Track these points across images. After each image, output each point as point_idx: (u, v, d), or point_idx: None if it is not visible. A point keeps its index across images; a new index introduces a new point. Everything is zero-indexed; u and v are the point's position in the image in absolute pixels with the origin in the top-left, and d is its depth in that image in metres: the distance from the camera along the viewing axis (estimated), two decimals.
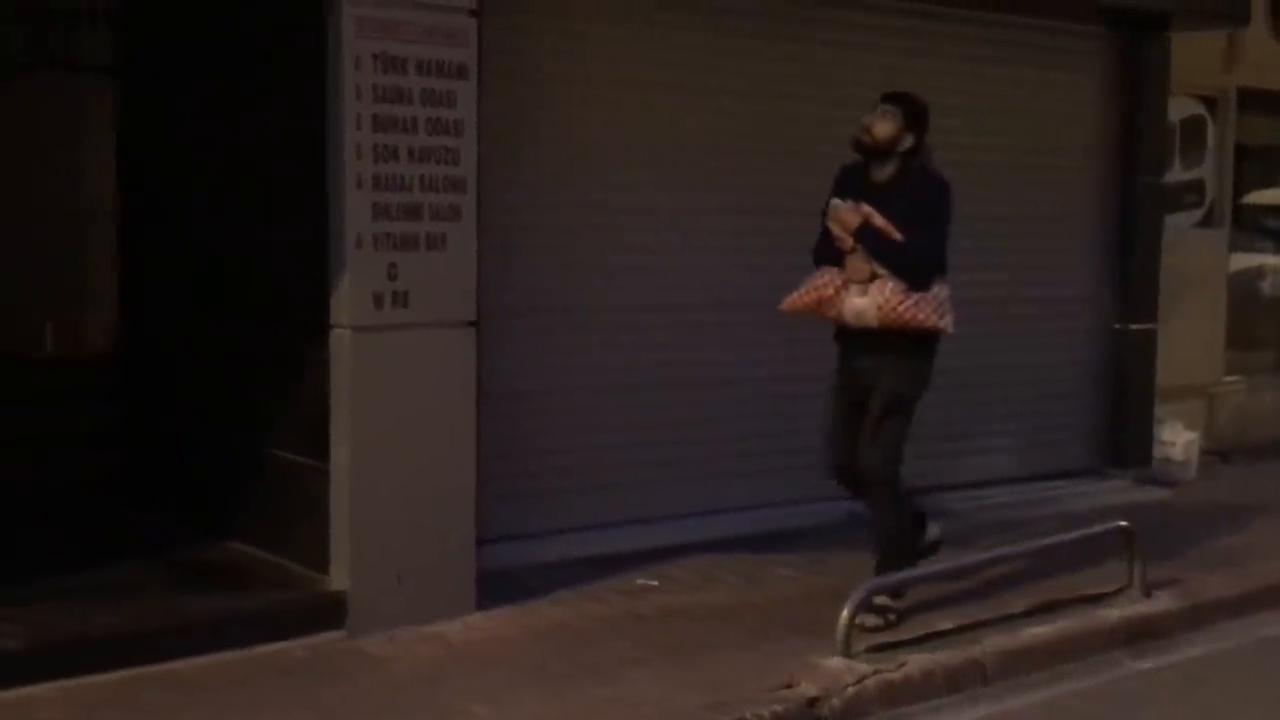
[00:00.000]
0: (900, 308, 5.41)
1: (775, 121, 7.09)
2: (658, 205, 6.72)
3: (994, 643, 5.45)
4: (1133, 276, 8.47)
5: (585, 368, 6.54)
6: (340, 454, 5.36)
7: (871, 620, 5.44)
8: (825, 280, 5.57)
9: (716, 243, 6.94)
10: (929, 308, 5.42)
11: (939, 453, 7.52)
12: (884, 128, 5.55)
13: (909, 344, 5.53)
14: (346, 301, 5.29)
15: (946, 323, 5.47)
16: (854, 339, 5.62)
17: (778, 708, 4.77)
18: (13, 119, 6.60)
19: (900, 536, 5.68)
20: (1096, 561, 6.28)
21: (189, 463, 6.27)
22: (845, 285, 5.52)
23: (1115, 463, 8.50)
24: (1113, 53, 8.40)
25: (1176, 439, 8.69)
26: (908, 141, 5.57)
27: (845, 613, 5.15)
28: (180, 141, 6.35)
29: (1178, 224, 9.24)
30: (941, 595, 5.87)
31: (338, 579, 5.39)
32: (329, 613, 5.33)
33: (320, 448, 5.43)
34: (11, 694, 4.58)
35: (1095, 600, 5.99)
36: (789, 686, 4.90)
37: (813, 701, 4.85)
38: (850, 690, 4.93)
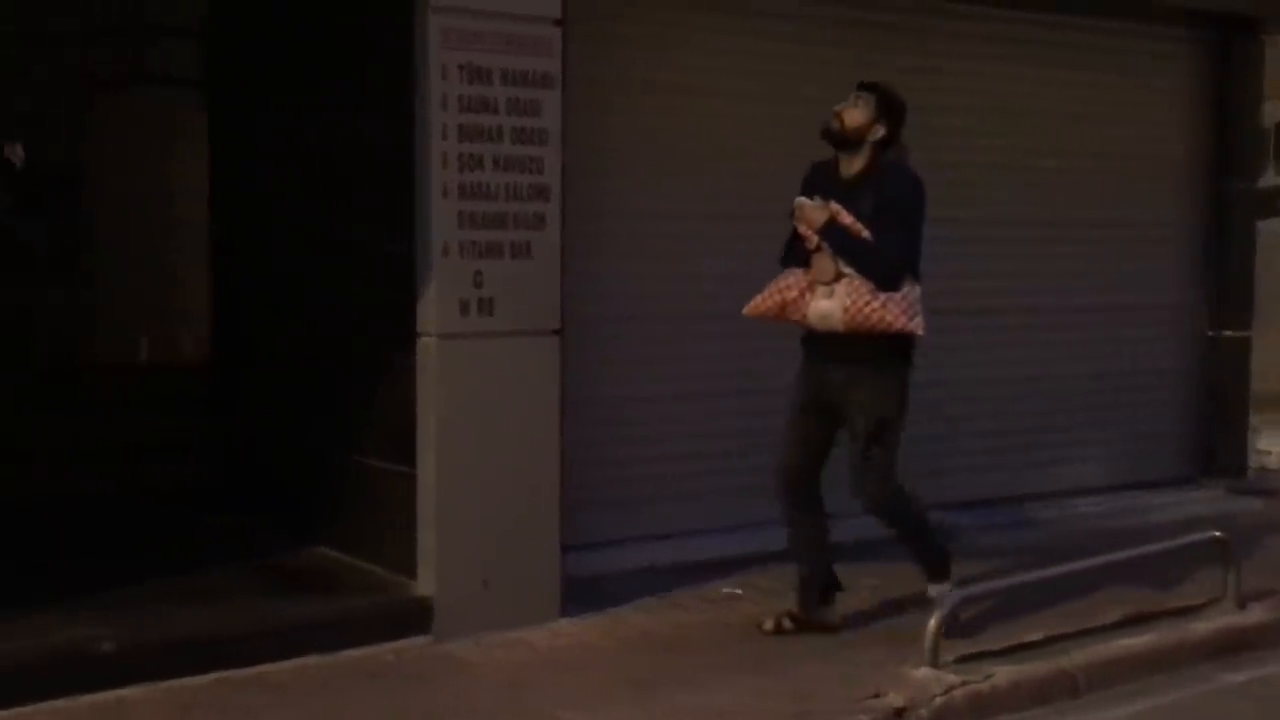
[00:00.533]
0: (867, 309, 5.12)
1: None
2: (747, 211, 6.68)
3: (1083, 654, 5.36)
4: (1227, 283, 8.32)
5: (671, 375, 6.53)
6: (426, 460, 5.41)
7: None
8: (789, 282, 5.30)
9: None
10: (897, 309, 5.13)
11: (1028, 462, 7.44)
12: (855, 115, 5.27)
13: (881, 355, 5.24)
14: (433, 309, 5.34)
15: (916, 324, 5.17)
16: (821, 346, 5.33)
17: (865, 718, 4.73)
18: (110, 134, 6.75)
19: (930, 547, 5.58)
20: (1189, 572, 6.17)
21: (279, 469, 6.35)
22: (810, 287, 5.24)
23: (1208, 472, 8.35)
24: (1205, 56, 8.26)
25: (1272, 448, 8.51)
26: (879, 132, 5.27)
27: (932, 623, 5.10)
28: (268, 153, 6.45)
29: (1272, 229, 9.06)
30: (1029, 606, 5.78)
31: (424, 584, 5.43)
32: (416, 618, 5.37)
33: (407, 454, 5.48)
34: (107, 695, 4.67)
35: (1187, 612, 5.88)
36: (876, 696, 4.86)
37: (900, 712, 4.80)
38: (938, 701, 4.87)
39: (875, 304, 5.13)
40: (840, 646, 5.44)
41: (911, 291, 5.19)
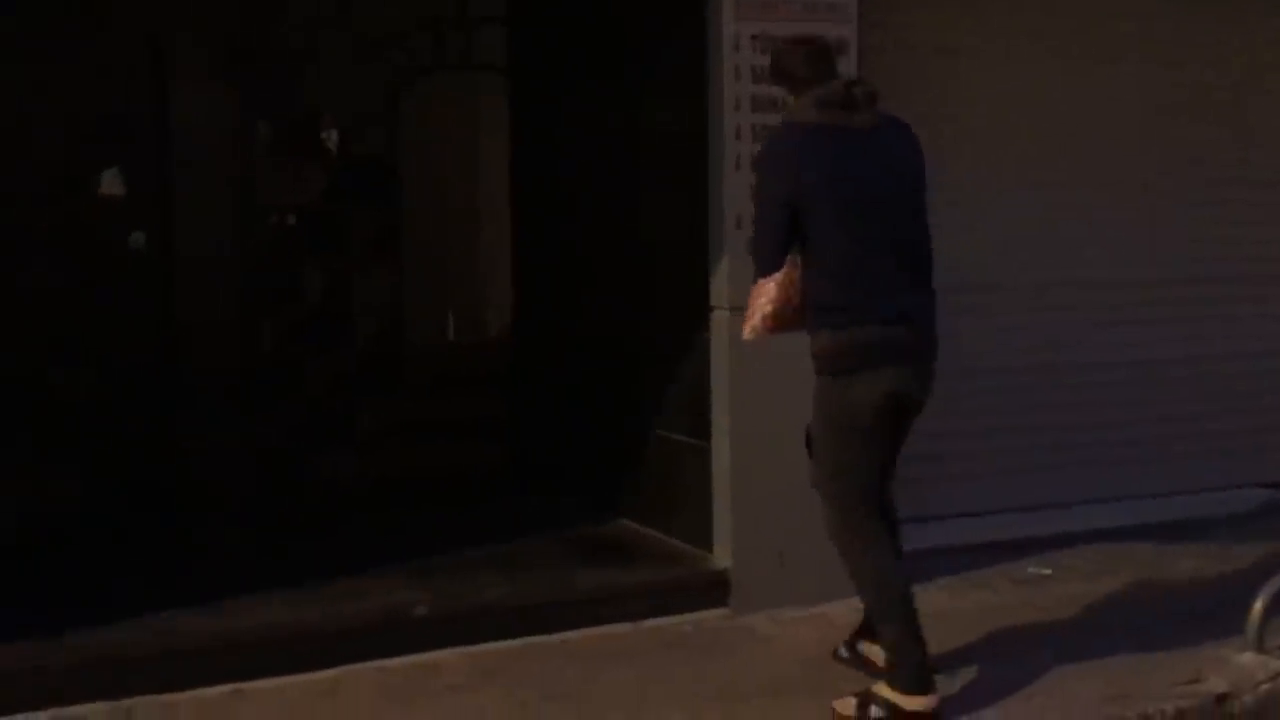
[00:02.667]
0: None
1: (1197, 90, 6.68)
2: (1051, 178, 6.44)
3: None
4: None
5: (974, 349, 6.33)
6: (721, 435, 5.41)
7: (847, 710, 4.34)
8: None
9: (1132, 218, 6.61)
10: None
11: None
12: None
13: (816, 359, 4.41)
14: (726, 282, 5.33)
15: (748, 327, 4.39)
16: None
17: (1183, 703, 4.49)
18: (420, 121, 7.02)
19: (894, 634, 4.36)
20: None
21: (580, 444, 6.48)
22: None
23: None
24: None
25: None
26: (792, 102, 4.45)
27: (1258, 605, 4.79)
28: (566, 135, 6.58)
29: None
30: None
31: (721, 557, 5.44)
32: (713, 590, 5.39)
33: (703, 428, 5.50)
34: (421, 657, 4.86)
35: None
36: (1194, 681, 4.61)
37: (1221, 698, 4.54)
38: (1263, 687, 4.59)
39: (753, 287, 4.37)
40: (1157, 629, 5.17)
41: (761, 285, 4.32)
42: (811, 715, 4.43)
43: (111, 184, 6.40)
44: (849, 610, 5.34)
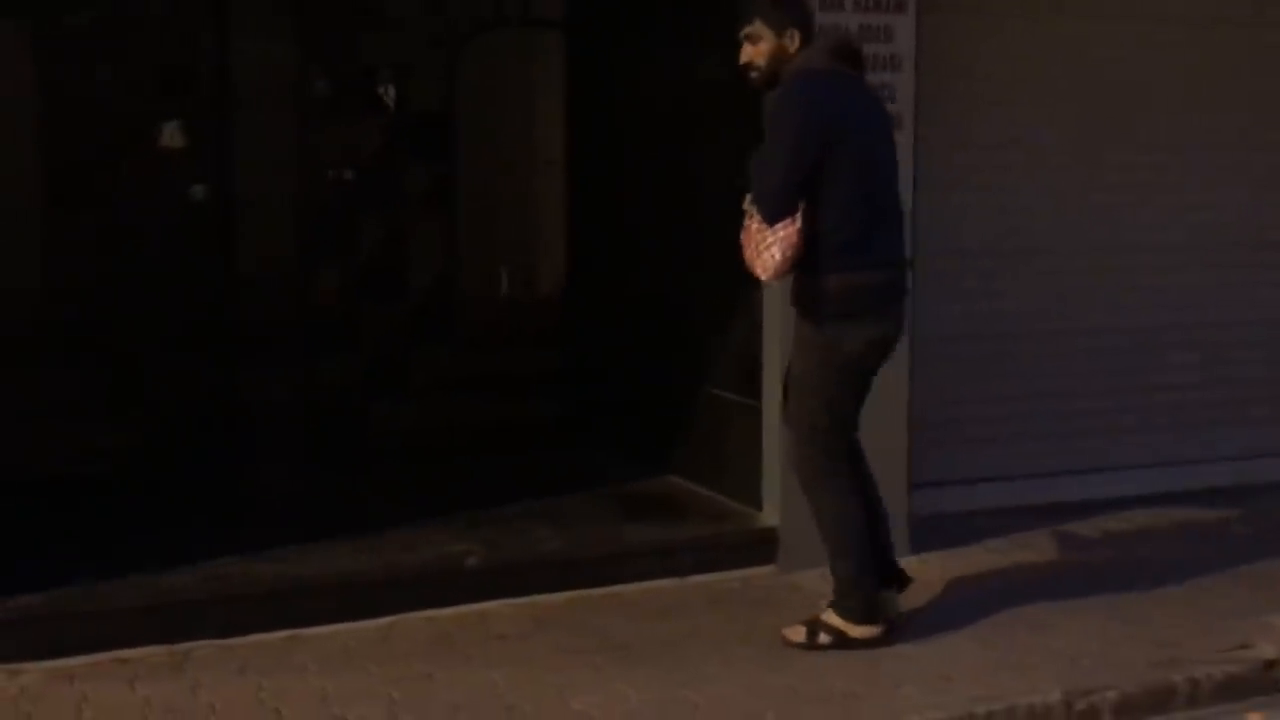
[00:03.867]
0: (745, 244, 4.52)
1: (1255, 49, 6.58)
2: (1116, 140, 6.37)
3: None
4: None
5: (1026, 311, 6.31)
6: (772, 393, 5.41)
7: (797, 636, 4.62)
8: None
9: (1184, 180, 6.53)
10: (751, 246, 4.48)
11: None
12: (757, 50, 4.54)
13: (803, 300, 4.55)
14: None
15: (759, 266, 4.48)
16: None
17: (1231, 669, 4.49)
18: (476, 75, 7.04)
19: (847, 567, 4.61)
20: None
21: (631, 400, 6.52)
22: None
23: None
24: None
25: None
26: (794, 42, 4.50)
27: None
28: (622, 92, 6.58)
29: None
30: None
31: (769, 515, 5.48)
32: (761, 547, 5.43)
33: (753, 387, 5.52)
34: (472, 608, 4.94)
35: None
36: (1244, 647, 4.60)
37: (1270, 664, 4.54)
38: None
39: (754, 229, 4.48)
40: (1206, 594, 5.18)
41: (770, 229, 4.41)
42: (856, 673, 4.47)
43: (173, 136, 6.48)
44: None
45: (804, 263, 4.45)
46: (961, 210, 6.10)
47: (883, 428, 5.45)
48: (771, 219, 4.42)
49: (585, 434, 6.78)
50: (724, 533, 5.52)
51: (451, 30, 7.21)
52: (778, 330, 5.34)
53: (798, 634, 4.64)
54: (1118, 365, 6.48)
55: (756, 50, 4.58)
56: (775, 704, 4.23)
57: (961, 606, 5.08)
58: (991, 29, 6.12)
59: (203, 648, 4.55)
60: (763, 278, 4.56)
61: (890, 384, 5.45)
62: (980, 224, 6.19)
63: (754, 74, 4.61)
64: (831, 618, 4.63)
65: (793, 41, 4.53)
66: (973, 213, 6.16)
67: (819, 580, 5.25)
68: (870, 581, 4.62)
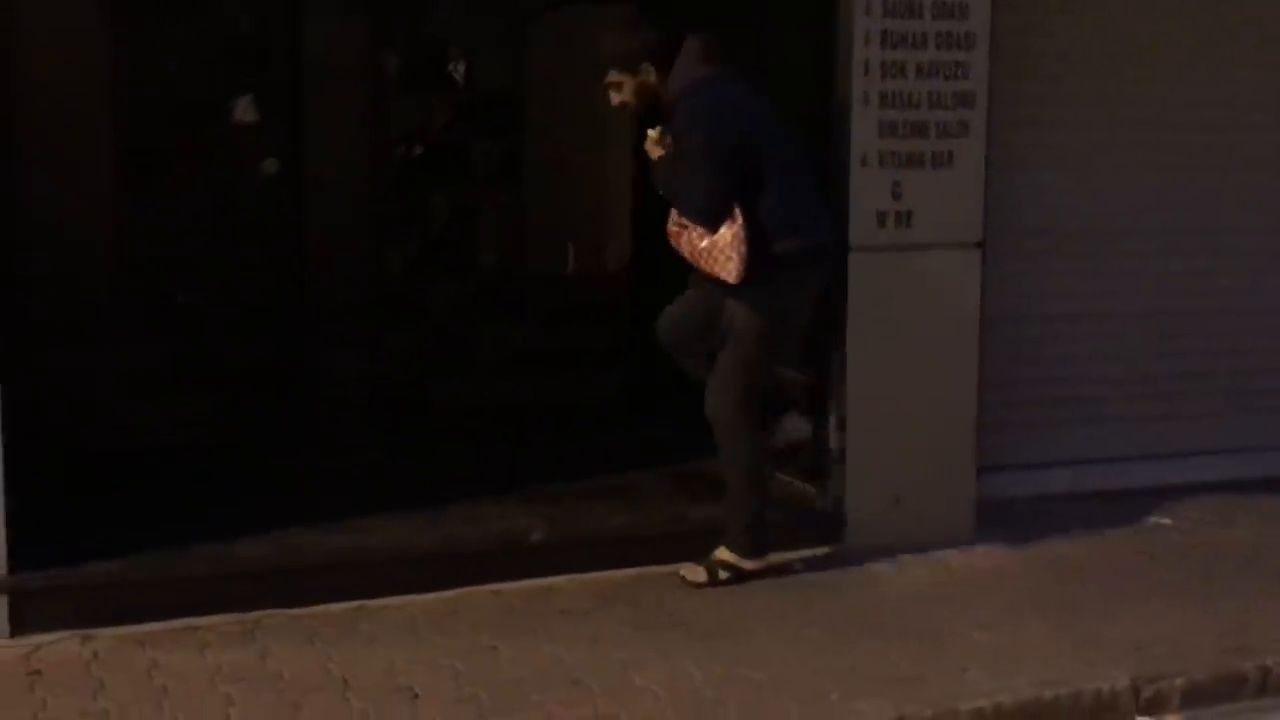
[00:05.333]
0: (699, 255, 4.88)
1: None
2: (1192, 121, 6.26)
3: None
4: None
5: (1097, 292, 6.22)
6: (839, 374, 5.39)
7: (698, 577, 4.96)
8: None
9: (1260, 161, 6.40)
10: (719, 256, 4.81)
11: None
12: (626, 95, 4.89)
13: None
14: (849, 221, 5.29)
15: (727, 271, 4.80)
16: None
17: None
18: (544, 52, 7.04)
19: (746, 509, 5.03)
20: None
21: (696, 378, 6.49)
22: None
23: None
24: None
25: None
26: (651, 74, 4.85)
27: None
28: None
29: None
30: None
31: (834, 495, 5.45)
32: (826, 529, 5.40)
33: (816, 364, 5.48)
34: (537, 582, 4.96)
35: None
36: None
37: None
38: None
39: (703, 246, 4.83)
40: (1271, 579, 5.10)
41: (717, 238, 4.77)
42: (921, 655, 4.44)
43: (245, 111, 6.53)
44: (962, 554, 5.38)
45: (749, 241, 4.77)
46: (1033, 190, 6.02)
47: (950, 408, 5.44)
48: (714, 226, 4.76)
49: (650, 411, 6.77)
50: (789, 513, 5.49)
51: (522, 7, 7.20)
52: (847, 311, 5.32)
53: (698, 575, 4.96)
54: (1192, 349, 6.38)
55: (622, 96, 4.91)
56: (838, 684, 4.22)
57: (1031, 591, 5.05)
58: (1069, 6, 6.03)
59: (272, 617, 4.60)
60: (733, 281, 4.81)
61: (957, 367, 5.45)
62: (1052, 204, 6.11)
63: (629, 110, 5.00)
64: (726, 554, 5.00)
65: (650, 74, 4.85)
66: (1045, 192, 6.08)
67: (884, 564, 5.26)
68: (764, 520, 5.03)
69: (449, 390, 6.78)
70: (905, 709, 4.07)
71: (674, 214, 4.96)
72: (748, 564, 5.01)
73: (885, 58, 5.21)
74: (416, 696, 4.08)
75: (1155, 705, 4.28)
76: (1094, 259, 6.22)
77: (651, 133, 4.95)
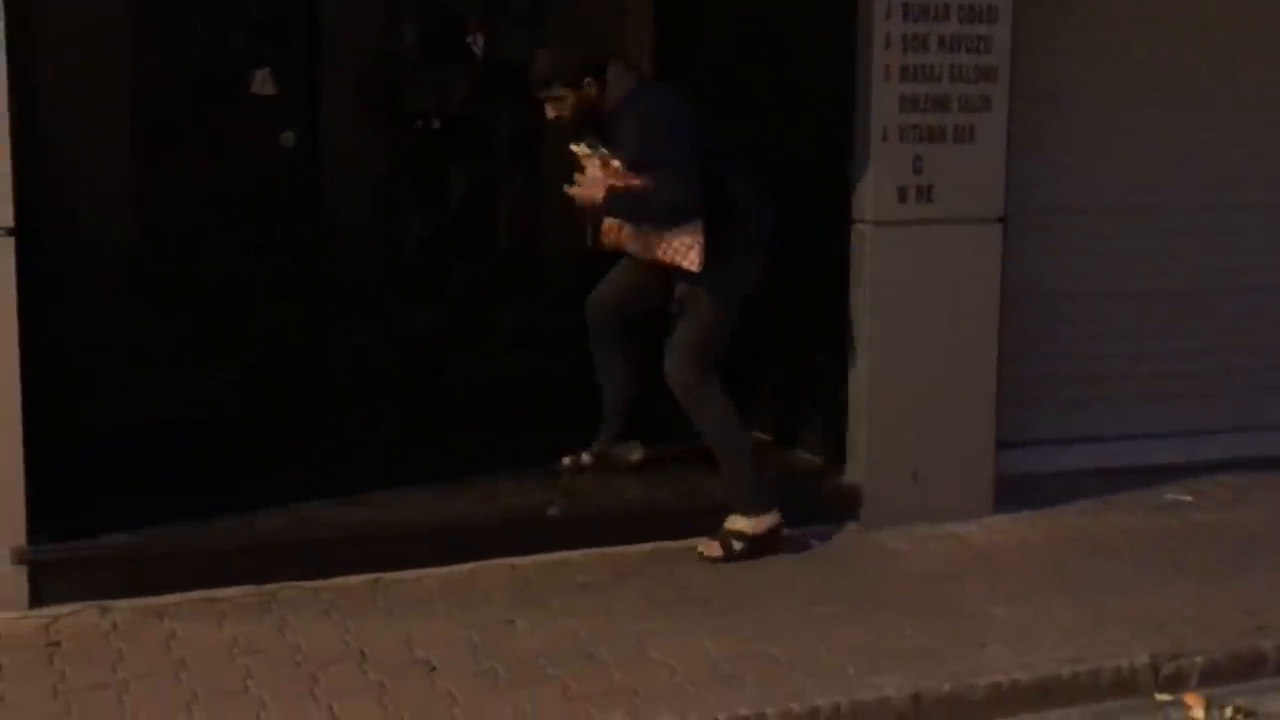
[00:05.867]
0: (659, 252, 5.02)
1: None
2: (1220, 96, 6.19)
3: None
4: None
5: (1119, 270, 6.19)
6: (858, 349, 5.38)
7: (714, 551, 5.01)
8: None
9: None
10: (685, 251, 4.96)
11: None
12: (562, 108, 4.99)
13: None
14: (869, 196, 5.27)
15: (689, 261, 4.94)
16: None
17: None
18: (564, 27, 7.00)
19: (740, 473, 5.10)
20: None
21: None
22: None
23: None
24: None
25: None
26: (592, 88, 4.94)
27: None
28: (708, 41, 6.51)
29: None
30: None
31: (853, 472, 5.44)
32: (843, 505, 5.40)
33: (837, 343, 5.46)
34: (553, 556, 4.97)
35: None
36: None
37: None
38: None
39: (663, 245, 4.97)
40: None
41: (679, 232, 4.91)
42: (940, 631, 4.43)
43: (263, 84, 6.52)
44: (981, 530, 5.36)
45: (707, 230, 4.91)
46: (1057, 166, 5.98)
47: (969, 384, 5.42)
48: (689, 220, 4.85)
49: (667, 388, 6.74)
50: (805, 489, 5.48)
51: None
52: (867, 287, 5.30)
53: (713, 549, 5.00)
54: (1214, 327, 6.34)
55: (560, 109, 5.00)
56: (855, 660, 4.21)
57: (1050, 567, 5.03)
58: None
59: (289, 589, 4.61)
60: (695, 270, 4.93)
61: (977, 342, 5.42)
62: (1077, 180, 6.07)
63: (563, 122, 5.04)
64: (736, 523, 5.01)
65: (592, 87, 4.94)
66: (1069, 169, 6.04)
67: (902, 540, 5.25)
68: (760, 475, 5.09)
69: (465, 364, 6.77)
70: (922, 684, 4.06)
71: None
72: (760, 525, 5.00)
73: (906, 31, 5.17)
74: (433, 669, 4.09)
75: (1175, 682, 4.26)
76: (1116, 236, 6.17)
77: (577, 147, 5.03)
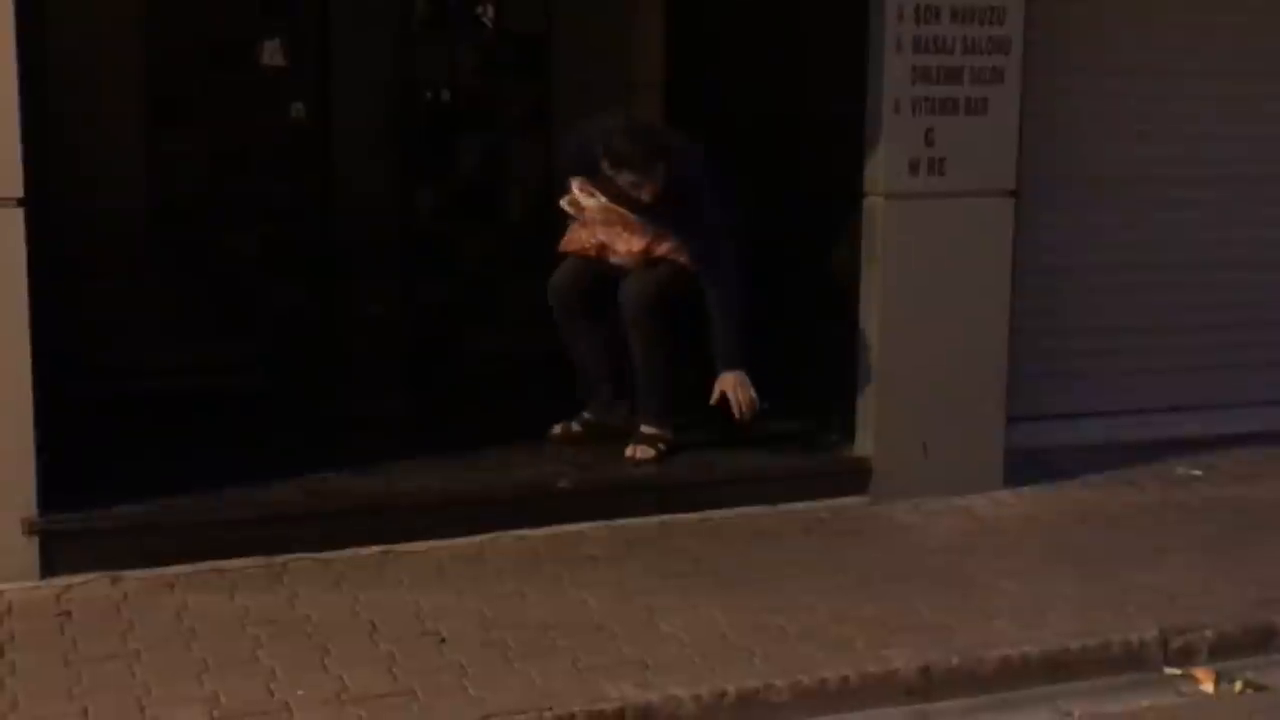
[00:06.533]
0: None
1: None
2: (1234, 69, 6.15)
3: None
4: None
5: (1131, 243, 6.15)
6: (869, 323, 5.37)
7: (643, 451, 5.34)
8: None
9: None
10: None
11: None
12: (653, 189, 5.22)
13: None
14: (881, 168, 5.25)
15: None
16: None
17: None
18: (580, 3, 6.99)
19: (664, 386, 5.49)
20: None
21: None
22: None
23: None
24: None
25: None
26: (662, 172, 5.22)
27: None
28: (719, 11, 6.48)
29: None
30: None
31: (863, 445, 5.43)
32: (853, 478, 5.40)
33: (850, 316, 5.46)
34: (565, 528, 4.98)
35: None
36: None
37: None
38: None
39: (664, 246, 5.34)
40: None
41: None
42: (949, 604, 4.43)
43: (273, 55, 6.50)
44: (990, 504, 5.36)
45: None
46: (1070, 137, 5.94)
47: (980, 358, 5.40)
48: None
49: (677, 363, 6.74)
50: (815, 462, 5.49)
51: None
52: (877, 260, 5.29)
53: (647, 453, 5.34)
54: (1226, 301, 6.31)
55: (645, 193, 5.21)
56: (864, 632, 4.21)
57: (1060, 541, 5.03)
58: None
59: (300, 560, 4.63)
60: (684, 261, 5.35)
61: (988, 316, 5.40)
62: (1092, 152, 6.02)
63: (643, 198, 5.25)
64: (656, 429, 5.40)
65: (665, 170, 5.20)
66: (1083, 140, 6.00)
67: (911, 512, 5.25)
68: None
69: (476, 336, 6.78)
70: (931, 657, 4.07)
71: (578, 183, 5.34)
72: (670, 432, 5.39)
73: (919, 1, 5.14)
74: (444, 640, 4.10)
75: (1184, 656, 4.26)
76: (1128, 210, 6.14)
77: (578, 192, 5.33)
